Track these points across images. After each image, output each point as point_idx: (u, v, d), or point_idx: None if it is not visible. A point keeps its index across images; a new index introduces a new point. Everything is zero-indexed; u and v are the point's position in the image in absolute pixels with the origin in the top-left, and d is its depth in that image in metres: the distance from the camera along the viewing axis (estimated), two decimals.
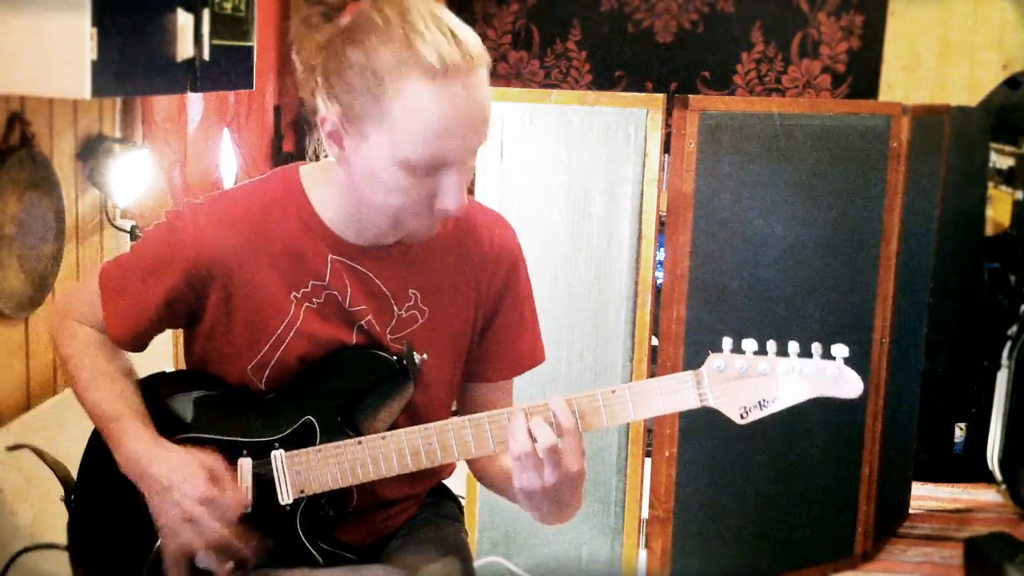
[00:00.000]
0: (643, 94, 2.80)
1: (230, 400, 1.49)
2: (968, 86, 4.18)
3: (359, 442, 1.43)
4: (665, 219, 2.73)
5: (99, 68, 1.69)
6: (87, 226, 2.55)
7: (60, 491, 1.58)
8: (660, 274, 2.78)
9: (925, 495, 3.68)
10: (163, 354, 2.13)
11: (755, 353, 1.37)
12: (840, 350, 1.36)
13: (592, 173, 2.68)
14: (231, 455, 1.45)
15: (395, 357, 1.46)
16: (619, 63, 4.35)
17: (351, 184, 1.40)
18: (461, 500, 1.79)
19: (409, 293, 1.49)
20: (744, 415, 1.38)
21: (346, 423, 1.46)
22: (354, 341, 1.47)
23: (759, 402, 1.37)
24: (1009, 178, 3.94)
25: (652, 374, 2.71)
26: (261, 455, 1.45)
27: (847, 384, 1.37)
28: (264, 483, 1.44)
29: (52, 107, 2.35)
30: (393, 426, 1.47)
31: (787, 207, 2.81)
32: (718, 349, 1.38)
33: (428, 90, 1.27)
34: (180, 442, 1.45)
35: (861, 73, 4.26)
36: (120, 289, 1.48)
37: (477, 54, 1.30)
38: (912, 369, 3.34)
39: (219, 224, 1.44)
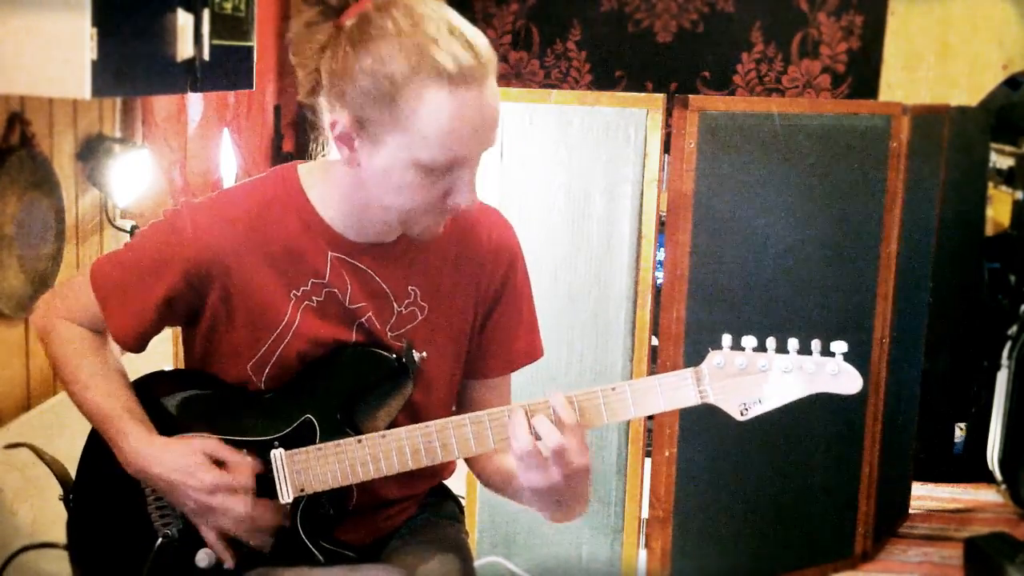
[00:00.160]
0: (643, 94, 2.80)
1: (229, 399, 1.49)
2: (968, 86, 4.17)
3: (359, 441, 1.43)
4: (665, 219, 2.73)
5: (99, 68, 1.69)
6: (87, 226, 2.55)
7: (59, 490, 1.58)
8: (660, 274, 2.78)
9: (925, 495, 3.68)
10: (163, 353, 2.13)
11: (754, 350, 1.37)
12: (839, 346, 1.36)
13: (592, 173, 2.68)
14: None
15: (394, 355, 1.46)
16: (619, 63, 4.35)
17: (358, 184, 1.40)
18: (461, 500, 1.79)
19: (409, 290, 1.49)
20: (744, 412, 1.38)
21: (346, 422, 1.46)
22: (354, 339, 1.47)
23: (759, 399, 1.37)
24: (1009, 178, 3.94)
25: (652, 374, 2.71)
26: (261, 454, 1.45)
27: (846, 380, 1.37)
28: (264, 482, 1.44)
29: (52, 107, 2.35)
30: (393, 425, 1.47)
31: (787, 207, 2.81)
32: (718, 347, 1.38)
33: (446, 95, 1.28)
34: (183, 437, 1.46)
35: (861, 73, 4.25)
36: (119, 288, 1.48)
37: (489, 58, 1.31)
38: (912, 369, 3.34)
39: (218, 223, 1.44)
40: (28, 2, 1.67)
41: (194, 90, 2.12)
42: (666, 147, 2.69)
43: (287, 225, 1.45)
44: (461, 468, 1.66)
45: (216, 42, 2.19)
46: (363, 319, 1.47)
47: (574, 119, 2.67)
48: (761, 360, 1.37)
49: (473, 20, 1.40)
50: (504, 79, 4.33)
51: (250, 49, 2.47)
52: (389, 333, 1.49)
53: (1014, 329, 3.53)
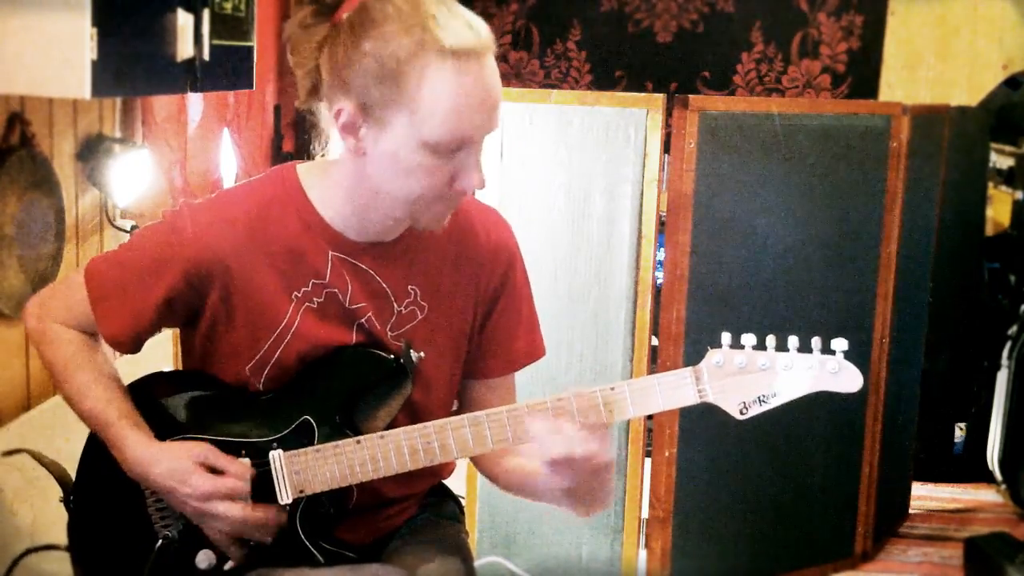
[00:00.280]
0: (643, 94, 2.80)
1: (228, 400, 1.49)
2: (968, 86, 4.17)
3: (358, 442, 1.43)
4: (665, 219, 2.73)
5: (99, 68, 1.69)
6: (87, 226, 2.55)
7: (60, 491, 1.58)
8: (660, 274, 2.78)
9: (925, 495, 3.67)
10: (163, 355, 2.13)
11: (754, 348, 1.37)
12: (840, 344, 1.36)
13: (592, 173, 2.68)
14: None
15: (393, 356, 1.46)
16: (619, 63, 4.35)
17: (361, 178, 1.39)
18: (461, 500, 1.78)
19: (408, 289, 1.49)
20: (744, 411, 1.38)
21: (344, 422, 1.45)
22: (354, 339, 1.47)
23: (759, 397, 1.37)
24: (1009, 178, 3.94)
25: (652, 374, 2.71)
26: (260, 455, 1.45)
27: (847, 378, 1.37)
28: (264, 483, 1.44)
29: (52, 107, 2.35)
30: (392, 425, 1.47)
31: (787, 207, 2.81)
32: (717, 346, 1.38)
33: (450, 70, 1.30)
34: (178, 442, 1.46)
35: (861, 73, 4.25)
36: (116, 289, 1.47)
37: (487, 37, 1.34)
38: (912, 369, 3.34)
39: (219, 223, 1.44)
40: (28, 2, 1.67)
41: (194, 90, 2.12)
42: (666, 147, 2.69)
43: (288, 225, 1.45)
44: (461, 468, 1.66)
45: (216, 42, 2.19)
46: (363, 319, 1.47)
47: (574, 119, 2.67)
48: (761, 358, 1.37)
49: None
50: (504, 79, 4.29)
51: (250, 49, 2.47)
52: (389, 333, 1.48)
53: (1014, 329, 3.53)
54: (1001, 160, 3.99)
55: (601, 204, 2.69)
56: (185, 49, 2.05)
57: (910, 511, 3.54)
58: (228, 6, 2.28)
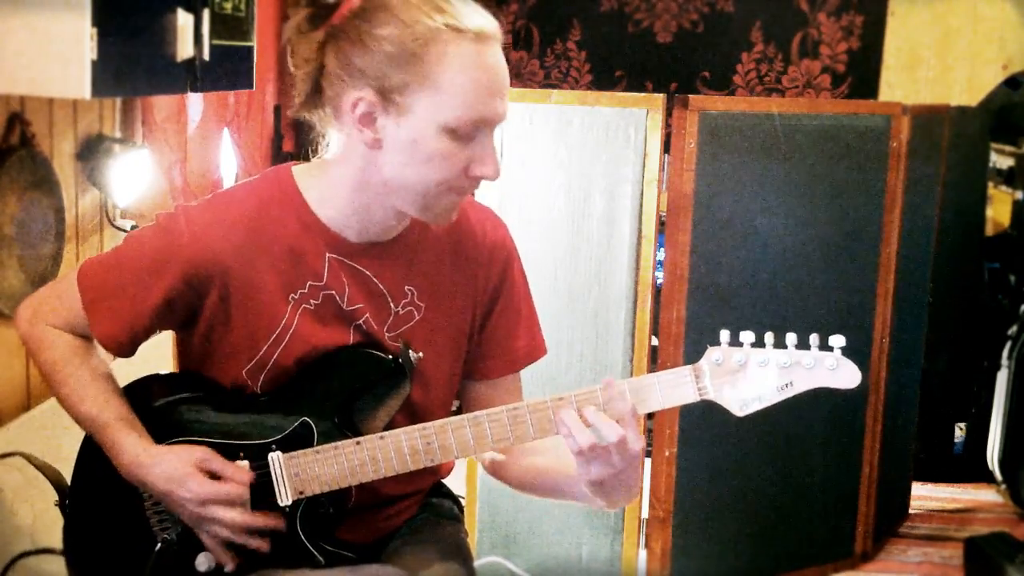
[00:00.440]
0: (643, 94, 2.80)
1: (226, 402, 1.48)
2: (968, 86, 4.18)
3: (357, 442, 1.42)
4: (665, 219, 2.73)
5: (99, 68, 1.69)
6: (87, 226, 2.55)
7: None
8: (660, 274, 2.78)
9: (925, 495, 3.68)
10: (162, 355, 2.12)
11: (752, 345, 1.37)
12: (837, 340, 1.36)
13: (592, 173, 2.68)
14: (227, 458, 1.44)
15: (391, 356, 1.46)
16: (619, 63, 4.35)
17: (370, 172, 1.39)
18: (461, 500, 1.78)
19: (406, 290, 1.49)
20: (743, 407, 1.38)
21: (343, 423, 1.45)
22: (352, 341, 1.47)
23: (758, 394, 1.37)
24: (1009, 178, 3.94)
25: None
26: (258, 457, 1.45)
27: (845, 374, 1.37)
28: (263, 485, 1.44)
29: (52, 107, 2.35)
30: (391, 425, 1.47)
31: (787, 207, 2.81)
32: (716, 343, 1.38)
33: (471, 50, 1.32)
34: (175, 445, 1.45)
35: (861, 73, 4.25)
36: (112, 291, 1.46)
37: (497, 25, 1.37)
38: (912, 369, 3.34)
39: (217, 225, 1.44)
40: (28, 2, 1.67)
41: (194, 90, 2.12)
42: (666, 147, 2.69)
43: (287, 226, 1.44)
44: (461, 468, 1.65)
45: (216, 42, 2.19)
46: (360, 320, 1.47)
47: (574, 119, 2.67)
48: (759, 355, 1.37)
49: None
50: None
51: (250, 49, 2.47)
52: (387, 334, 1.48)
53: (1014, 329, 3.53)
54: (1001, 160, 3.99)
55: (601, 204, 2.69)
56: (185, 49, 2.05)
57: (910, 511, 3.54)
58: (228, 6, 2.28)
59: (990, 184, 3.98)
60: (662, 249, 2.74)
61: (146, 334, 1.48)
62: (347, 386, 1.46)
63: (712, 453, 2.83)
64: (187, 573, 1.45)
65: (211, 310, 1.45)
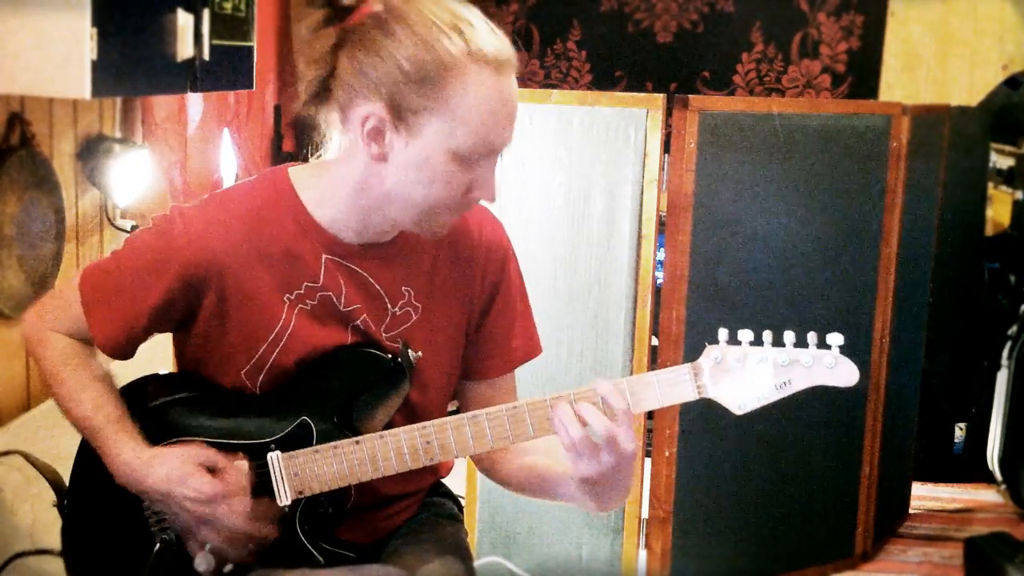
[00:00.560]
0: (643, 94, 2.80)
1: (224, 402, 1.48)
2: (968, 86, 4.17)
3: (357, 442, 1.42)
4: (665, 219, 2.73)
5: (99, 68, 1.69)
6: (87, 226, 2.55)
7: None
8: (660, 274, 2.78)
9: (925, 495, 3.67)
10: (162, 356, 2.13)
11: (751, 344, 1.37)
12: (835, 338, 1.36)
13: (592, 173, 2.68)
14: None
15: (390, 356, 1.46)
16: (619, 63, 4.35)
17: (372, 183, 1.39)
18: (461, 500, 1.78)
19: (402, 291, 1.49)
20: (742, 406, 1.38)
21: (343, 423, 1.45)
22: (349, 341, 1.47)
23: (757, 393, 1.38)
24: (1009, 178, 3.94)
25: None
26: (257, 457, 1.44)
27: (843, 373, 1.37)
28: (262, 485, 1.44)
29: (52, 107, 2.35)
30: (390, 425, 1.47)
31: (787, 207, 2.81)
32: (715, 342, 1.38)
33: (490, 82, 1.32)
34: (174, 445, 1.45)
35: (861, 73, 4.25)
36: (111, 295, 1.46)
37: (512, 50, 1.36)
38: (912, 369, 3.34)
39: (214, 226, 1.43)
40: (28, 2, 1.67)
41: (194, 90, 2.13)
42: (666, 147, 2.68)
43: (283, 228, 1.44)
44: (460, 468, 1.65)
45: (216, 42, 2.19)
46: (358, 321, 1.47)
47: (574, 119, 2.67)
48: (757, 354, 1.37)
49: None
50: None
51: (250, 49, 2.47)
52: (384, 334, 1.48)
53: (1014, 329, 3.53)
54: (1001, 160, 3.99)
55: (601, 204, 2.69)
56: (185, 49, 2.05)
57: (910, 511, 3.54)
58: (228, 6, 2.28)
59: (990, 184, 3.98)
60: (662, 249, 2.74)
61: (144, 335, 1.48)
62: (346, 386, 1.46)
63: (712, 453, 2.83)
64: (186, 574, 1.45)
65: (209, 311, 1.44)
